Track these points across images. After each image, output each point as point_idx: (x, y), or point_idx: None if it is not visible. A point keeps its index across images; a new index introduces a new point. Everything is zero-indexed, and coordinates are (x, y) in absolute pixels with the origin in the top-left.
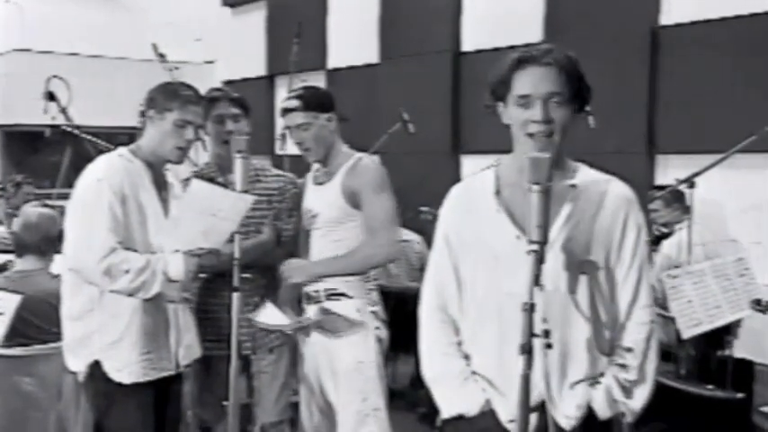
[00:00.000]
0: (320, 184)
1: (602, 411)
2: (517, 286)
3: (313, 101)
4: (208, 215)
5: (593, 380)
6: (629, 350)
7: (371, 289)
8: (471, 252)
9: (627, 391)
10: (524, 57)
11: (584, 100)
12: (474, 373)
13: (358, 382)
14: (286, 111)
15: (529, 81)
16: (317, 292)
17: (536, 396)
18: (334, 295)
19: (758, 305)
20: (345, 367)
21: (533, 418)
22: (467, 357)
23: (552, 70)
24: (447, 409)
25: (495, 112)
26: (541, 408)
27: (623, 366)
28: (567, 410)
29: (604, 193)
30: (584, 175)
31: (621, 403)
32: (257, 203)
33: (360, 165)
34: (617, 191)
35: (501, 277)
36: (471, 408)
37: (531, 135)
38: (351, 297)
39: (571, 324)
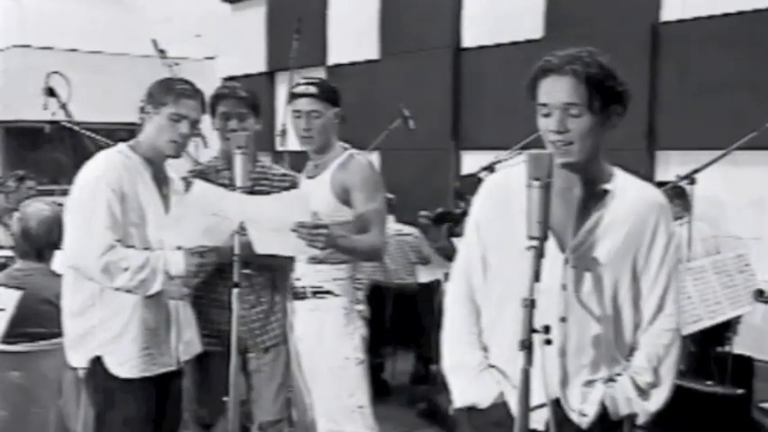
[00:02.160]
0: (311, 177)
1: (615, 410)
2: (541, 284)
3: (327, 92)
4: (209, 214)
5: (609, 379)
6: (648, 353)
7: (357, 288)
8: (499, 244)
9: (643, 392)
10: (547, 66)
11: (618, 104)
12: (491, 366)
13: (344, 379)
14: (300, 95)
15: (547, 91)
16: (303, 288)
17: (550, 392)
18: (320, 293)
19: (761, 296)
20: (331, 364)
21: (546, 413)
22: (485, 349)
23: (571, 80)
24: (461, 399)
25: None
26: (555, 404)
27: (641, 368)
28: (580, 408)
29: (637, 198)
30: (620, 180)
31: (635, 403)
32: None
33: (351, 162)
34: (650, 197)
35: (525, 274)
36: (484, 399)
37: (551, 143)
38: (338, 295)
39: (590, 325)
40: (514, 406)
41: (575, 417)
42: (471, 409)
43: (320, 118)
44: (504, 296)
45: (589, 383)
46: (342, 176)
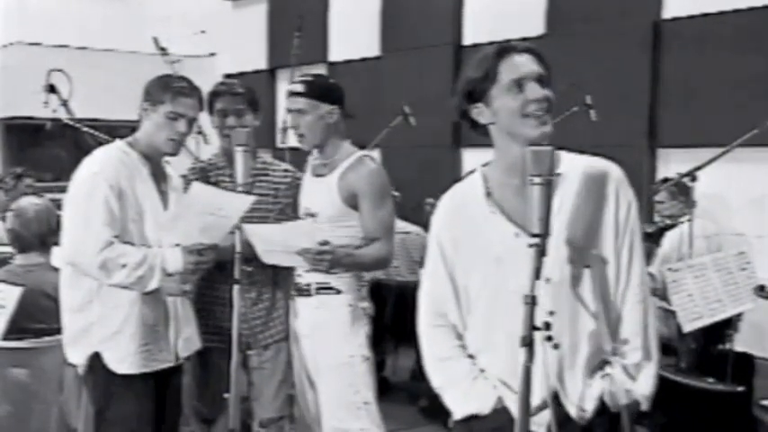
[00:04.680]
0: (318, 176)
1: (613, 402)
2: (523, 283)
3: (318, 90)
4: (207, 214)
5: (603, 371)
6: (629, 332)
7: (362, 285)
8: (470, 257)
9: (633, 376)
10: (504, 47)
11: None
12: (482, 371)
13: (349, 376)
14: (290, 93)
15: (519, 64)
16: (308, 285)
17: (547, 389)
18: (324, 289)
19: (762, 291)
20: (336, 361)
21: (548, 415)
22: (471, 357)
23: (531, 56)
24: (459, 411)
25: (466, 117)
26: (553, 400)
27: (626, 352)
28: (578, 402)
29: (590, 174)
30: (568, 161)
31: (631, 391)
32: (263, 198)
33: (360, 166)
34: (602, 170)
35: (506, 277)
36: (484, 406)
37: (529, 116)
38: (342, 292)
39: (579, 316)
40: (515, 409)
41: (573, 412)
42: (470, 419)
43: (306, 116)
44: (491, 305)
45: (585, 377)
46: (350, 181)
